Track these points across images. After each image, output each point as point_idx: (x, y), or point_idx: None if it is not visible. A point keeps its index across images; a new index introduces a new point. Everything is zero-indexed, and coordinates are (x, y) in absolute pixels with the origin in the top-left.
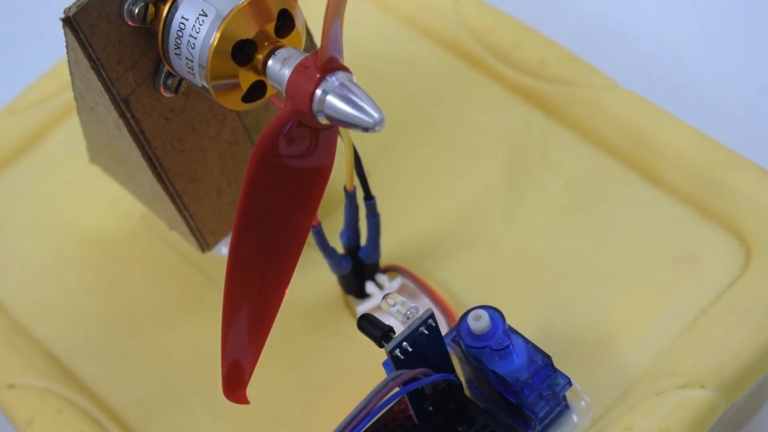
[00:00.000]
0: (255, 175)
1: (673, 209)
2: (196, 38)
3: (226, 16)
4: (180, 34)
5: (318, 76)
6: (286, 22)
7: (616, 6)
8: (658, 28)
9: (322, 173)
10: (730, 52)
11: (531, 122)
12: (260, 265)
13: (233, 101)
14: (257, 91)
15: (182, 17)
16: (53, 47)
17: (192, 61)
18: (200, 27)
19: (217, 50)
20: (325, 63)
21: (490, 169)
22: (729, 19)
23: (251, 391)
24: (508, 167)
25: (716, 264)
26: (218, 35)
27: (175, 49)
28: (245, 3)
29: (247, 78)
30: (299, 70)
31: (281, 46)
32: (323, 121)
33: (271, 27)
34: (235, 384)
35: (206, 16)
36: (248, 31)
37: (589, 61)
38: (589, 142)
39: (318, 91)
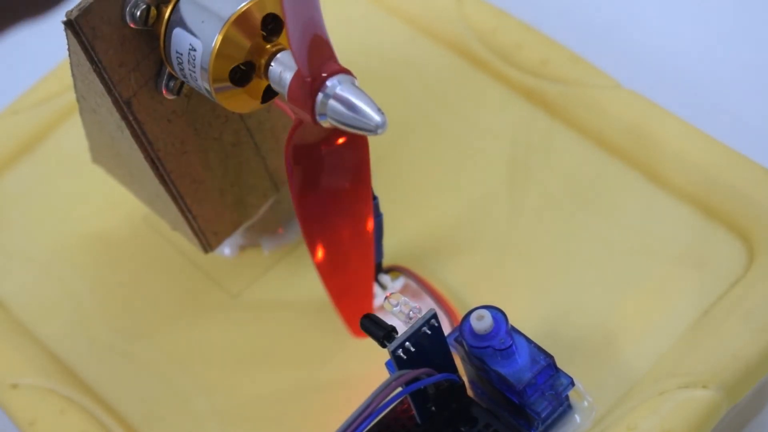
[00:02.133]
0: (294, 185)
1: (675, 209)
2: (194, 71)
3: (212, 49)
4: (180, 62)
5: (318, 81)
6: (275, 24)
7: (619, 6)
8: (661, 28)
9: (360, 145)
10: (733, 53)
11: (534, 122)
12: (336, 232)
13: (244, 106)
14: (266, 93)
15: (177, 52)
16: (57, 47)
17: (194, 75)
18: (194, 61)
19: (216, 80)
20: (323, 67)
21: (492, 170)
22: (732, 20)
23: (253, 391)
24: (511, 167)
25: (719, 264)
26: (211, 70)
27: (179, 71)
28: (226, 28)
29: (255, 88)
30: (299, 75)
31: (282, 49)
32: (326, 124)
33: (259, 38)
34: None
35: (195, 50)
36: (239, 56)
37: (592, 62)
38: (592, 142)
39: (319, 96)
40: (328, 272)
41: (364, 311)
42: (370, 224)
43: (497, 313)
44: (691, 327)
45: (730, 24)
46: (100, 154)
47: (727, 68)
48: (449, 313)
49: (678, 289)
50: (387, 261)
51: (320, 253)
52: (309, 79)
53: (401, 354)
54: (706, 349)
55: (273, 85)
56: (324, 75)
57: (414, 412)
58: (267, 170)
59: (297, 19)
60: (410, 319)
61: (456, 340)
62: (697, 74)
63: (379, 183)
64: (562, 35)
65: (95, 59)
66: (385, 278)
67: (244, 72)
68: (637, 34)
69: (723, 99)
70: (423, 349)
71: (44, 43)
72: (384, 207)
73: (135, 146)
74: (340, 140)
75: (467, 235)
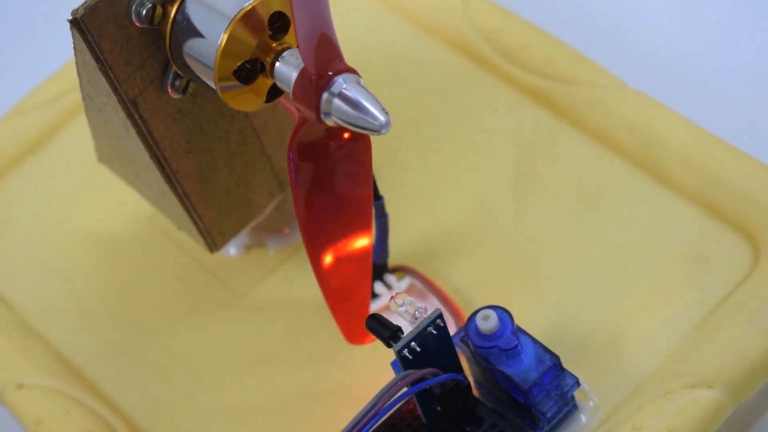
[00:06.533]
0: (298, 184)
1: (681, 209)
2: (200, 69)
3: (218, 47)
4: (185, 60)
5: (323, 79)
6: (281, 22)
7: (624, 6)
8: (666, 28)
9: (364, 151)
10: (738, 52)
11: (539, 122)
12: (336, 234)
13: (250, 104)
14: (271, 92)
15: (182, 50)
16: (63, 47)
17: (200, 73)
18: (200, 59)
19: (221, 78)
20: (329, 66)
21: (498, 169)
22: (737, 19)
23: (259, 391)
24: (516, 167)
25: (724, 264)
26: (216, 68)
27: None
28: (232, 27)
29: (260, 86)
30: (305, 73)
31: (288, 47)
32: (330, 123)
33: (266, 36)
34: (356, 330)
35: (201, 49)
36: (245, 54)
37: (597, 61)
38: (597, 142)
39: (324, 95)
40: (327, 275)
41: (361, 317)
42: (371, 228)
43: (503, 312)
44: (696, 327)
45: (735, 24)
46: (106, 153)
47: (733, 68)
48: (455, 313)
49: (683, 289)
50: (393, 261)
51: (320, 256)
52: (314, 78)
53: (407, 354)
54: (712, 349)
55: (278, 84)
56: (329, 74)
57: (420, 412)
58: (273, 169)
59: (305, 16)
60: (416, 319)
61: (461, 340)
62: (702, 74)
63: (384, 183)
64: (567, 35)
65: (101, 58)
66: (390, 278)
67: (249, 70)
68: (643, 34)
69: (728, 99)
70: (428, 349)
71: (49, 43)
72: (389, 207)
73: (141, 145)
74: (346, 134)
75: (473, 234)
